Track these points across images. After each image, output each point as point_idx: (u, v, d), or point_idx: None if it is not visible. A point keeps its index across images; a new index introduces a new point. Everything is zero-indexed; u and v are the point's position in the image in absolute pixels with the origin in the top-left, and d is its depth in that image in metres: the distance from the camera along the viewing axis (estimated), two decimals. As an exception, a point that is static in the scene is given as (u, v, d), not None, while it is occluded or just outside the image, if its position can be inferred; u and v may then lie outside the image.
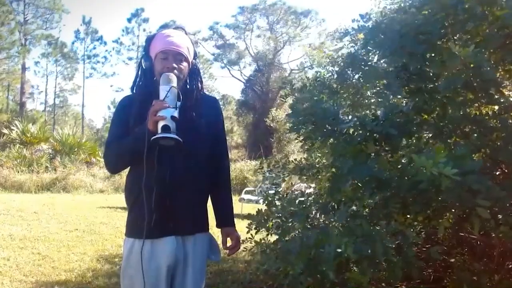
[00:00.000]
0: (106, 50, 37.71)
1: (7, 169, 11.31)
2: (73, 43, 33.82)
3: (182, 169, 1.53)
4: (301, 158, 3.22)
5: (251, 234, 2.53)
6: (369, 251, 1.37)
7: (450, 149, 1.48)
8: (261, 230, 2.49)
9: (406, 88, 1.77)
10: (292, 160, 3.20)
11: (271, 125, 17.58)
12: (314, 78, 3.58)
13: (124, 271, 1.53)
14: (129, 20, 34.24)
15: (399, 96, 1.86)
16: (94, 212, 7.45)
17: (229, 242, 1.71)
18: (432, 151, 1.22)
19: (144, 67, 1.60)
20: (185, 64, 1.56)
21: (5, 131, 15.18)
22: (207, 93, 1.82)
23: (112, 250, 4.74)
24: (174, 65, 1.52)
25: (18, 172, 11.39)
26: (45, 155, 13.03)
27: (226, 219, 1.72)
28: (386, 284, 1.92)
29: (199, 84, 1.66)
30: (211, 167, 1.65)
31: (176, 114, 1.38)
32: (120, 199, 10.65)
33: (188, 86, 1.62)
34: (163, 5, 56.23)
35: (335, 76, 3.00)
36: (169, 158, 1.49)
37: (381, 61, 2.01)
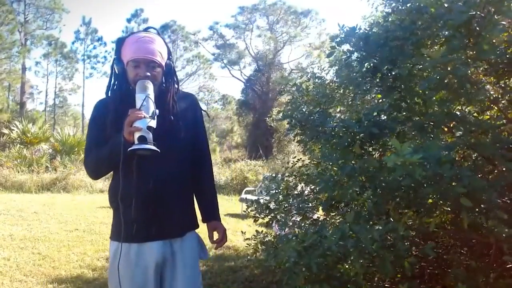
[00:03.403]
0: (106, 51, 37.61)
1: (7, 169, 11.31)
2: (73, 43, 33.88)
3: (165, 174, 1.52)
4: (309, 162, 3.25)
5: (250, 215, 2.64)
6: (355, 244, 1.42)
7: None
8: (261, 216, 2.59)
9: (380, 88, 1.86)
10: (302, 167, 3.24)
11: (271, 125, 17.57)
12: (316, 84, 3.62)
13: (110, 273, 1.54)
14: (128, 20, 34.29)
15: (372, 95, 1.97)
16: (94, 212, 7.46)
17: (215, 236, 1.71)
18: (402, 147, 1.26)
19: (116, 71, 1.57)
20: (158, 69, 1.54)
21: (5, 131, 15.20)
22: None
23: (112, 249, 4.75)
24: (148, 73, 1.49)
25: (18, 172, 11.40)
26: (45, 155, 13.03)
27: (211, 214, 1.73)
28: (381, 280, 1.95)
29: (175, 85, 1.63)
30: (193, 165, 1.65)
31: (152, 123, 1.38)
32: (120, 199, 10.68)
33: (164, 87, 1.60)
34: (163, 5, 56.27)
35: (333, 81, 3.09)
36: (150, 165, 1.47)
37: (356, 65, 2.14)
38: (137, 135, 1.35)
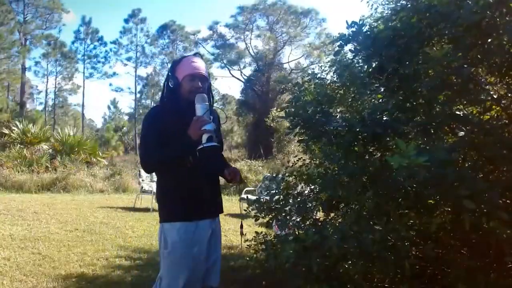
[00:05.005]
0: (106, 51, 37.62)
1: (7, 169, 11.31)
2: (73, 43, 33.85)
3: (210, 168, 2.00)
4: (309, 162, 3.24)
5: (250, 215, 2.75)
6: (355, 244, 1.42)
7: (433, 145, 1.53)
8: (261, 215, 2.63)
9: (385, 87, 1.86)
10: (302, 166, 3.23)
11: (271, 125, 17.54)
12: (317, 84, 3.61)
13: (173, 249, 1.90)
14: (126, 20, 34.32)
15: (377, 95, 1.97)
16: (94, 212, 7.46)
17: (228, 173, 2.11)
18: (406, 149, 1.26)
19: (171, 86, 2.00)
20: (206, 84, 2.02)
21: (5, 131, 15.18)
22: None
23: (112, 250, 4.75)
24: (201, 85, 1.96)
25: (18, 172, 11.39)
26: (45, 155, 13.02)
27: (225, 165, 2.18)
28: (380, 281, 1.95)
29: (212, 99, 2.08)
30: None
31: (214, 126, 1.83)
32: (120, 199, 10.62)
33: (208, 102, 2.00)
34: (163, 5, 56.18)
35: (334, 82, 3.08)
36: (206, 160, 1.91)
37: (361, 64, 2.14)
38: (206, 136, 1.80)
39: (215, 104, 2.19)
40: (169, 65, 2.11)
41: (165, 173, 2.01)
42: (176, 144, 1.89)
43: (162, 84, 2.08)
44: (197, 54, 2.08)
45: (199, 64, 1.99)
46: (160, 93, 2.14)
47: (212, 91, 2.11)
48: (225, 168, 2.12)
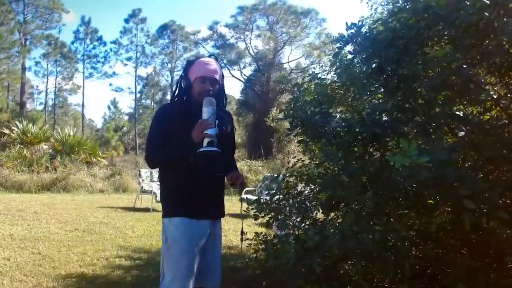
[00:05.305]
0: (106, 51, 37.69)
1: (7, 169, 11.31)
2: (72, 43, 33.86)
3: (217, 170, 2.01)
4: (309, 162, 3.24)
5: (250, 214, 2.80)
6: (355, 244, 1.42)
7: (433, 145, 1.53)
8: (261, 214, 2.67)
9: (385, 88, 1.87)
10: (302, 166, 3.23)
11: (271, 125, 17.54)
12: (317, 84, 3.61)
13: (174, 240, 1.94)
14: (126, 20, 34.36)
15: (377, 95, 1.98)
16: (94, 212, 7.46)
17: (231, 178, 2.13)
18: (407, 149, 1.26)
19: (183, 86, 2.04)
20: (217, 87, 2.02)
21: (6, 131, 15.19)
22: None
23: (112, 250, 4.75)
24: (211, 88, 1.97)
25: (18, 172, 11.40)
26: (45, 155, 13.02)
27: (231, 168, 2.19)
28: (380, 281, 1.95)
29: (225, 101, 2.10)
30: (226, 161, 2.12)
31: (217, 131, 1.83)
32: (120, 199, 10.61)
33: (221, 104, 2.02)
34: (162, 5, 56.17)
35: (334, 82, 3.09)
36: (206, 162, 1.91)
37: (360, 65, 2.15)
38: (207, 140, 1.80)
39: None
40: (184, 65, 2.14)
41: (168, 171, 2.06)
42: (179, 144, 1.93)
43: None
44: (212, 56, 2.10)
45: (212, 66, 2.01)
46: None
47: (225, 93, 2.11)
48: (230, 171, 2.12)
